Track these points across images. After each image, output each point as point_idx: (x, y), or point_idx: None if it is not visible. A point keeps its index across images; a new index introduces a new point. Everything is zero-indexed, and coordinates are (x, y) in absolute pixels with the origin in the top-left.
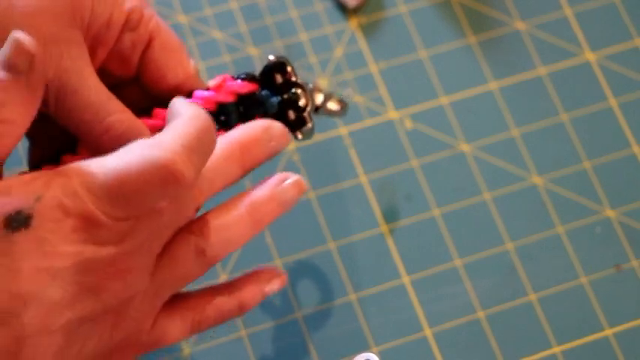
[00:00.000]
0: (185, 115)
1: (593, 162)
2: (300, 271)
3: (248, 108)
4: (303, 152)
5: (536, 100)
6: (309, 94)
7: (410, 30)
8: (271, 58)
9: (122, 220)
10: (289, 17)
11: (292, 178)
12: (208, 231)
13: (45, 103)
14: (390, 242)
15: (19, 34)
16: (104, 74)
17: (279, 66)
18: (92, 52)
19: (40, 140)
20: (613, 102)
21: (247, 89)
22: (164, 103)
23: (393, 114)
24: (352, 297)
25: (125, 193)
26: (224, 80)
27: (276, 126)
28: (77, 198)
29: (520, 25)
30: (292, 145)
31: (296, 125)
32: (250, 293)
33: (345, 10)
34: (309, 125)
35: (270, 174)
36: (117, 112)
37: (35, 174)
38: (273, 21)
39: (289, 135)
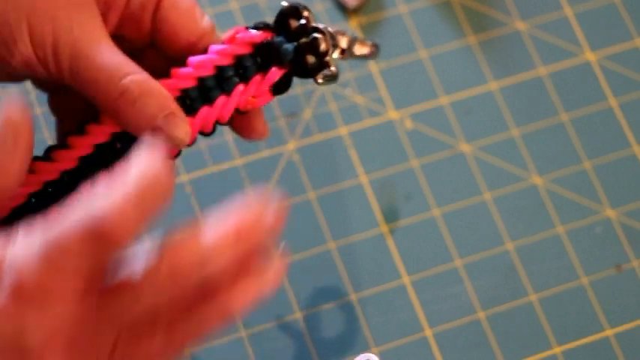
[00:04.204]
0: (134, 170)
1: (593, 162)
2: (300, 271)
3: (265, 57)
4: (302, 152)
5: (536, 100)
6: (330, 37)
7: (410, 30)
8: (284, 3)
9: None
10: None
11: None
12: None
13: (60, 72)
14: (390, 242)
15: (10, 110)
16: (119, 41)
17: (293, 11)
18: (104, 17)
19: (64, 113)
20: (613, 102)
21: (261, 38)
22: (182, 64)
23: (393, 114)
24: (352, 297)
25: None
26: (236, 32)
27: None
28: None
29: (520, 25)
30: (292, 145)
31: (315, 70)
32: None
33: (345, 10)
34: (333, 69)
35: (270, 173)
36: (132, 74)
37: None
38: (273, 21)
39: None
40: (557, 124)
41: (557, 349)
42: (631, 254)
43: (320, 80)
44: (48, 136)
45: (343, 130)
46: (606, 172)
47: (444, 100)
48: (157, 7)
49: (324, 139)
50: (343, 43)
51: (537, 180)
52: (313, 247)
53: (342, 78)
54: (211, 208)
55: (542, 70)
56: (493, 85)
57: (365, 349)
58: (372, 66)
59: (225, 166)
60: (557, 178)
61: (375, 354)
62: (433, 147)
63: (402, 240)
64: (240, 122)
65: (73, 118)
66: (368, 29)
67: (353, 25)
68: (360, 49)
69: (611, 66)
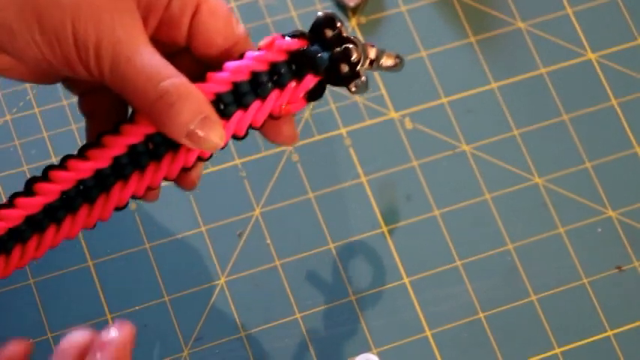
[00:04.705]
0: None
1: (594, 162)
2: (299, 271)
3: (300, 65)
4: (302, 152)
5: (537, 99)
6: (362, 48)
7: (410, 29)
8: (319, 14)
9: None
10: (289, 17)
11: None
12: None
13: (100, 73)
14: (390, 243)
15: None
16: (156, 44)
17: (329, 21)
18: (144, 20)
19: (97, 113)
20: (614, 102)
21: (297, 46)
22: (217, 69)
23: (393, 114)
24: (352, 297)
25: None
26: (274, 39)
27: None
28: None
29: (521, 25)
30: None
31: (348, 79)
32: None
33: (344, 10)
34: (363, 79)
35: (270, 173)
36: (171, 77)
37: None
38: (273, 21)
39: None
40: (559, 123)
41: (558, 350)
42: (632, 255)
43: (353, 89)
44: (46, 135)
45: (343, 130)
46: (607, 172)
47: (444, 100)
48: (196, 13)
49: (324, 139)
50: (372, 54)
51: (538, 180)
52: (313, 247)
53: None
54: (211, 209)
55: (543, 70)
56: (493, 85)
57: (365, 349)
58: None
59: (225, 165)
60: (558, 178)
61: (375, 354)
62: (433, 147)
63: (402, 240)
64: (271, 127)
65: (102, 118)
66: (368, 28)
67: (353, 25)
68: (386, 61)
69: (612, 66)
